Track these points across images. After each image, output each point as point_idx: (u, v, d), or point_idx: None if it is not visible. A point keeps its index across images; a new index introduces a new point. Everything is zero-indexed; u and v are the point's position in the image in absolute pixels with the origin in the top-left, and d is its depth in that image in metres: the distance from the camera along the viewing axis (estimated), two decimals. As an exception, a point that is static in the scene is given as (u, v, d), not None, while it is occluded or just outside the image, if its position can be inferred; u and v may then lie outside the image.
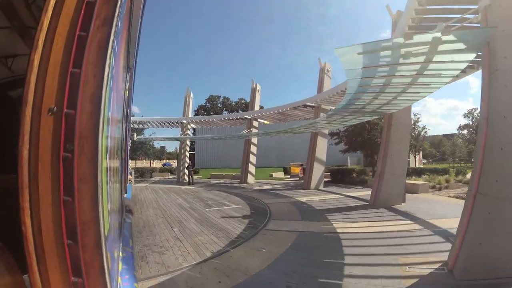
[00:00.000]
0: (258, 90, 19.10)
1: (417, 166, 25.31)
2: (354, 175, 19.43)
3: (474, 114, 35.75)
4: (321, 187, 15.66)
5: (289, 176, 23.63)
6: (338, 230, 6.59)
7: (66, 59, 0.68)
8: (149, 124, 20.69)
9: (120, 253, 1.19)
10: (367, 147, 20.31)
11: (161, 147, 41.94)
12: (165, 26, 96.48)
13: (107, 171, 0.76)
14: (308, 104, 16.01)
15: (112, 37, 0.69)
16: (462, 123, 35.34)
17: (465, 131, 34.36)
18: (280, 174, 24.63)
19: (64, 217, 0.66)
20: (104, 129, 0.68)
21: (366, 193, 12.35)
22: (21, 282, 0.83)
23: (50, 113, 0.67)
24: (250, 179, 17.97)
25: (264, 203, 10.39)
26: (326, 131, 16.76)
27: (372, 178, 18.28)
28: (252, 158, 18.06)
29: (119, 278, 0.91)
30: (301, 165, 23.22)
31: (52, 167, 0.66)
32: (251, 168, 18.01)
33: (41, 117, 0.67)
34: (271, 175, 22.74)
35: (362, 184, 16.59)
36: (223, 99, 54.17)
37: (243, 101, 52.53)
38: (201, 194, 13.51)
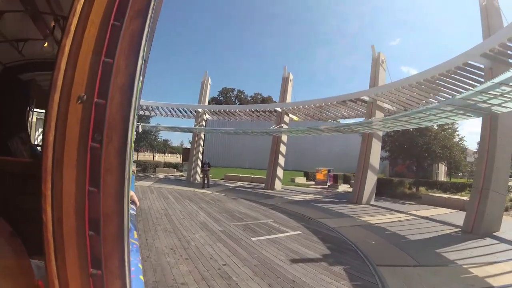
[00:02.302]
0: (290, 80, 16.11)
1: (443, 179, 23.75)
2: (392, 187, 17.31)
3: None
4: (373, 201, 13.60)
5: (314, 183, 21.79)
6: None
7: (98, 47, 0.67)
8: (157, 111, 17.15)
9: None
10: (417, 155, 16.71)
11: (164, 140, 38.18)
12: (174, 14, 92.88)
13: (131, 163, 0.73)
14: (361, 98, 12.55)
15: (146, 29, 0.68)
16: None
17: None
18: (301, 179, 21.41)
19: (88, 207, 0.65)
20: (134, 121, 0.68)
21: (434, 212, 11.30)
22: (28, 267, 0.83)
23: (79, 101, 0.66)
24: (277, 184, 14.47)
25: (331, 228, 8.16)
26: (380, 133, 13.64)
27: (413, 192, 15.46)
28: (281, 160, 14.66)
29: None
30: (328, 171, 19.81)
31: (79, 156, 0.65)
32: (279, 172, 14.54)
33: (69, 104, 0.66)
34: (293, 180, 19.37)
35: (413, 199, 14.92)
36: (237, 93, 50.72)
37: (259, 96, 50.11)
38: (228, 205, 9.97)
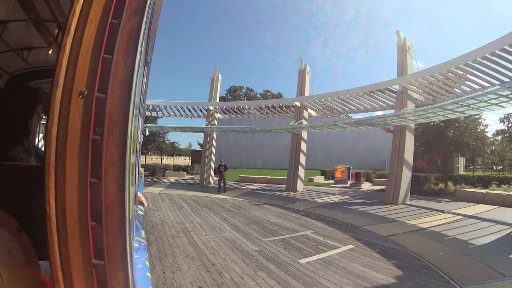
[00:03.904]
0: (307, 72, 15.21)
1: (462, 173, 23.21)
2: (420, 183, 16.66)
3: (511, 119, 32.64)
4: (408, 201, 12.93)
5: (333, 181, 21.16)
6: None
7: (98, 45, 0.70)
8: (165, 111, 16.27)
9: (134, 242, 1.15)
10: (445, 148, 16.96)
11: (170, 142, 37.33)
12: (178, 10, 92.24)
13: (132, 157, 0.76)
14: (389, 88, 11.73)
15: (143, 26, 0.72)
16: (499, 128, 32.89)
17: (499, 137, 31.24)
18: (319, 178, 21.78)
19: (90, 199, 0.68)
20: (133, 115, 0.70)
21: (476, 209, 10.80)
22: (35, 263, 0.86)
23: (80, 96, 0.69)
24: (299, 185, 13.67)
25: (384, 238, 7.30)
26: (413, 126, 13.53)
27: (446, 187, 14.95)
28: (302, 159, 13.79)
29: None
30: (348, 169, 19.15)
31: (81, 148, 0.68)
32: (301, 172, 13.76)
33: (71, 99, 0.69)
34: (311, 180, 18.65)
35: (445, 196, 14.64)
36: (246, 90, 50.16)
37: (269, 93, 49.57)
38: (253, 214, 9.14)
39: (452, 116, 11.38)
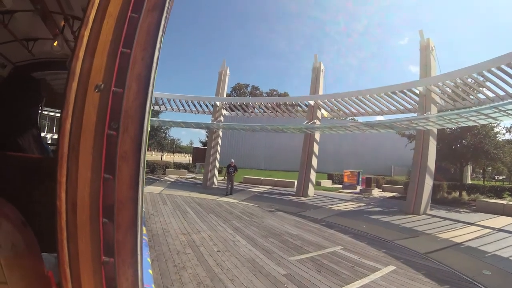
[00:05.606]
0: (322, 70, 14.49)
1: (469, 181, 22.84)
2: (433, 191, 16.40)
3: None
4: (428, 211, 12.47)
5: (341, 186, 20.91)
6: None
7: (116, 38, 0.69)
8: (169, 106, 15.66)
9: None
10: (462, 156, 16.78)
11: (171, 139, 36.77)
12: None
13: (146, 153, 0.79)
14: (412, 89, 11.27)
15: (163, 22, 0.71)
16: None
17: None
18: (327, 182, 22.27)
19: (102, 194, 0.67)
20: (149, 111, 0.70)
21: (502, 222, 10.59)
22: (39, 257, 0.87)
23: (96, 90, 0.68)
24: (310, 190, 13.23)
25: (423, 256, 6.68)
26: (435, 131, 13.11)
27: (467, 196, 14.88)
28: (314, 162, 13.24)
29: None
30: (358, 173, 18.66)
31: (95, 143, 0.67)
32: (312, 175, 13.23)
33: (87, 92, 0.68)
34: (319, 183, 18.55)
35: (462, 206, 14.47)
36: (251, 89, 49.52)
37: (275, 92, 49.08)
38: (268, 223, 9.29)
39: (483, 122, 10.95)
